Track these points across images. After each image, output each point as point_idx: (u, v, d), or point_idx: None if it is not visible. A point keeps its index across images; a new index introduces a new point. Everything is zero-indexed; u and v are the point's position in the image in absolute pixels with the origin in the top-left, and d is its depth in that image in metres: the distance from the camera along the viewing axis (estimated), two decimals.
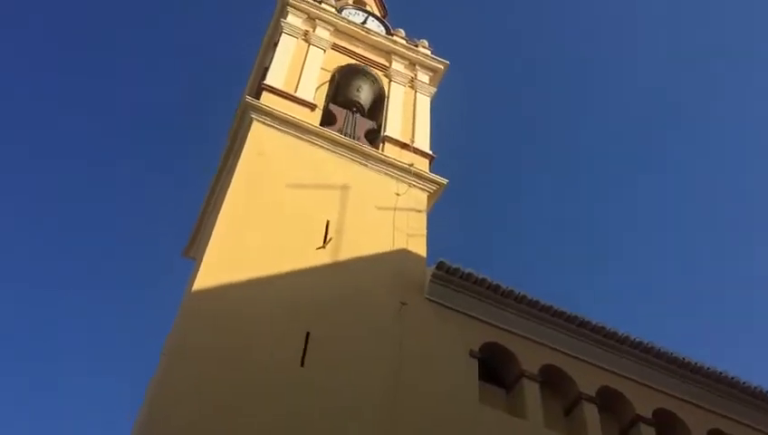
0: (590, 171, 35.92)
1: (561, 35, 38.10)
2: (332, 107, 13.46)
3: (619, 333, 10.95)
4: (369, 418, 8.48)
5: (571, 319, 10.84)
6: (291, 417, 8.06)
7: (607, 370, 10.80)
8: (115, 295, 31.51)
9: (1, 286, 30.03)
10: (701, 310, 32.67)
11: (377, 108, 14.08)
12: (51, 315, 30.31)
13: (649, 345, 10.99)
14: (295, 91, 12.92)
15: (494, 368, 10.33)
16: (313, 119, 12.63)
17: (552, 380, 10.40)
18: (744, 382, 11.28)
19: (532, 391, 10.00)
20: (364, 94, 13.83)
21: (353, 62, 14.57)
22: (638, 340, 10.98)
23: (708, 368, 11.14)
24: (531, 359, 10.37)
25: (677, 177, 35.84)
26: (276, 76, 13.07)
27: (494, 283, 10.66)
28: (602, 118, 36.63)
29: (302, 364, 8.65)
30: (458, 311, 10.44)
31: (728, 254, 33.39)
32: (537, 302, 10.76)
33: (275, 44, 14.39)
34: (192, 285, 9.15)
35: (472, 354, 9.98)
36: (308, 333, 8.96)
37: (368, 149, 12.44)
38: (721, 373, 11.21)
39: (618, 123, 35.82)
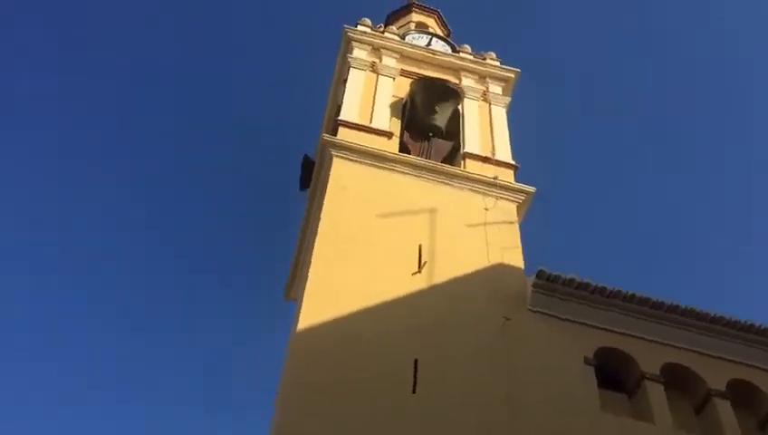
0: (668, 164, 34.60)
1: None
2: (407, 137, 13.46)
3: (742, 322, 10.34)
4: None
5: (687, 313, 10.32)
6: None
7: (734, 362, 10.20)
8: (221, 340, 32.36)
9: (119, 330, 31.25)
10: None
11: (452, 128, 13.97)
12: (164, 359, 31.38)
13: None
14: (370, 122, 13.03)
15: (612, 374, 9.91)
16: (392, 147, 12.68)
17: (677, 379, 9.88)
18: None
19: (656, 392, 9.52)
20: (439, 115, 13.72)
21: (426, 77, 14.49)
22: (763, 326, 10.33)
23: None
24: (650, 359, 9.90)
25: None
26: (350, 110, 13.23)
27: (599, 285, 10.28)
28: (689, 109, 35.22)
29: (414, 391, 8.57)
30: (565, 319, 10.11)
31: None
32: (648, 299, 10.30)
33: (345, 80, 14.60)
34: (296, 325, 9.24)
35: (587, 362, 9.61)
36: (416, 360, 8.89)
37: (450, 168, 12.36)
38: None
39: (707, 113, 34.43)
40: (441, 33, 19.24)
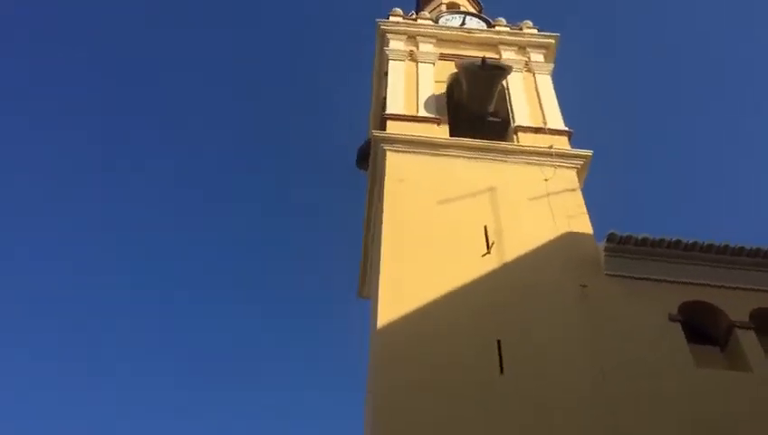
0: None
1: None
2: (457, 121, 13.32)
3: None
4: (582, 411, 8.23)
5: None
6: (497, 423, 8.00)
7: None
8: (302, 343, 32.85)
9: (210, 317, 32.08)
10: None
11: (500, 104, 13.80)
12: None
13: None
14: (417, 112, 13.04)
15: (700, 328, 9.71)
16: (442, 132, 12.67)
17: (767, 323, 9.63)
18: None
19: (749, 340, 9.30)
20: (486, 94, 13.52)
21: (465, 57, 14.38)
22: None
23: None
24: (737, 307, 9.66)
25: None
26: (395, 103, 13.26)
27: (674, 239, 10.09)
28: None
29: (502, 372, 8.59)
30: (644, 278, 9.95)
31: None
32: (727, 247, 10.06)
33: (386, 73, 14.63)
34: (376, 325, 9.33)
35: (671, 318, 9.44)
36: (499, 341, 8.90)
37: (504, 144, 12.30)
38: None
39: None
40: (473, 10, 19.09)
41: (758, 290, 9.86)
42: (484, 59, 13.09)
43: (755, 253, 10.01)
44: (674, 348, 9.10)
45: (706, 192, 32.32)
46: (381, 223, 10.84)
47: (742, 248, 10.05)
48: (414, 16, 16.13)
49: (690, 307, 9.70)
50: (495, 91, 13.44)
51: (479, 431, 7.97)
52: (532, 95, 13.89)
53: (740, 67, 33.70)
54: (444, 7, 18.60)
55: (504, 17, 16.20)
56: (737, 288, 9.88)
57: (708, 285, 9.90)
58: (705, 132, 33.93)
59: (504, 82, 14.13)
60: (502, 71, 13.42)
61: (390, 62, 14.48)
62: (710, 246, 10.08)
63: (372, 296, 11.14)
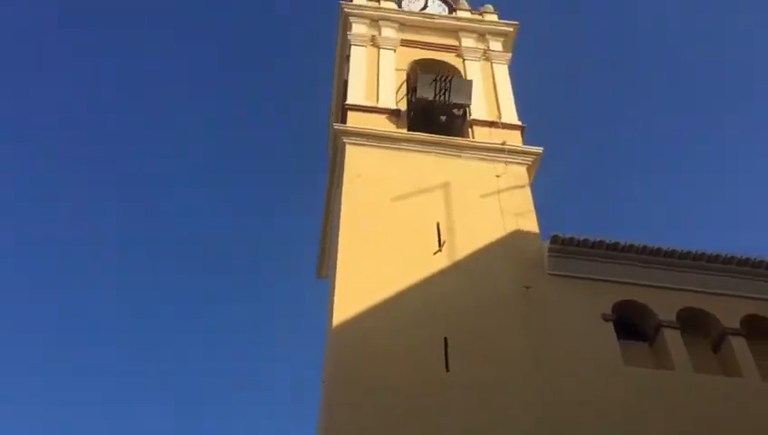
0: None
1: None
2: (416, 111, 13.68)
3: (752, 259, 10.83)
4: (524, 408, 8.95)
5: (698, 256, 10.83)
6: (443, 419, 8.72)
7: (747, 297, 10.73)
8: (261, 325, 33.31)
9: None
10: None
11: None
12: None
13: None
14: (377, 102, 13.42)
15: (633, 325, 10.52)
16: (401, 124, 13.09)
17: (693, 322, 10.45)
18: None
19: (673, 339, 10.13)
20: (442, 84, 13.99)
21: (421, 57, 14.75)
22: None
23: None
24: (665, 306, 10.47)
25: None
26: (356, 92, 13.60)
27: (612, 241, 10.82)
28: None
29: (448, 369, 9.28)
30: (583, 277, 10.68)
31: None
32: (660, 249, 10.82)
33: (347, 57, 14.91)
34: (332, 317, 9.92)
35: (605, 317, 10.22)
36: (446, 339, 9.57)
37: (458, 140, 12.77)
38: None
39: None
40: None
41: (686, 290, 10.67)
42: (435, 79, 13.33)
43: (685, 255, 10.80)
44: (605, 345, 9.89)
45: (647, 193, 33.39)
46: (339, 217, 11.34)
47: (673, 250, 10.83)
48: None
49: (624, 306, 10.49)
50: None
51: (426, 426, 8.67)
52: (489, 86, 14.35)
53: (692, 68, 34.45)
54: None
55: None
56: (667, 288, 10.68)
57: (641, 284, 10.68)
58: (653, 135, 34.83)
59: (462, 71, 14.58)
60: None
61: (352, 47, 14.75)
62: (644, 248, 10.83)
63: (329, 288, 11.70)
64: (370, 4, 15.80)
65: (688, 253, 10.82)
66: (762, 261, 10.84)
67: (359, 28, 15.14)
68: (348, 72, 14.56)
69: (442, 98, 13.08)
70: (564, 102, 33.95)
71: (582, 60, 36.26)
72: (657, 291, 10.65)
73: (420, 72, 14.16)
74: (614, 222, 30.90)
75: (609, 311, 10.29)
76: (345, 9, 15.43)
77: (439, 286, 10.31)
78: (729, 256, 10.84)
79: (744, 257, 10.85)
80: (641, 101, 34.78)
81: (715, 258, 10.82)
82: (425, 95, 13.15)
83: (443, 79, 13.33)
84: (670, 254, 10.83)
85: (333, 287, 10.44)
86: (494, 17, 15.94)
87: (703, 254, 10.81)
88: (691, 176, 33.68)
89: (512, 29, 15.57)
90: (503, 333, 9.81)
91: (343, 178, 11.84)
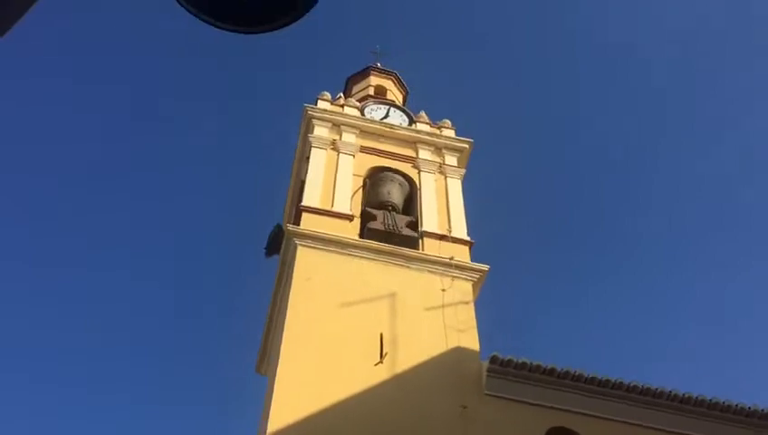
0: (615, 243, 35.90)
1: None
2: (370, 210, 14.14)
3: (682, 395, 11.16)
4: None
5: (631, 389, 11.12)
6: None
7: (676, 433, 11.01)
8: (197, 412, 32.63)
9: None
10: None
11: (411, 203, 14.72)
12: None
13: (720, 403, 11.13)
14: (332, 206, 13.68)
15: None
16: (353, 229, 13.36)
17: None
18: None
19: None
20: (395, 195, 14.48)
21: (379, 164, 15.25)
22: (714, 400, 11.14)
23: None
24: None
25: None
26: (312, 194, 13.87)
27: (549, 367, 11.05)
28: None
29: None
30: (519, 401, 10.84)
31: None
32: (594, 378, 11.09)
33: (307, 158, 15.27)
34: (267, 423, 9.80)
35: None
36: None
37: (408, 251, 13.05)
38: None
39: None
40: (400, 94, 20.20)
41: (620, 422, 10.91)
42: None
43: (618, 386, 11.08)
44: None
45: (594, 321, 34.55)
46: (284, 319, 11.36)
47: (608, 380, 11.11)
48: (341, 102, 16.88)
49: (557, 432, 10.64)
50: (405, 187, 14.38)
51: None
52: (441, 199, 14.80)
53: (639, 178, 36.47)
54: (372, 90, 19.57)
55: (427, 108, 17.38)
56: (601, 418, 10.90)
57: (575, 412, 10.88)
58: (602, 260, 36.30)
59: (417, 183, 15.06)
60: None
61: (313, 149, 15.13)
62: (580, 376, 11.08)
63: (267, 388, 11.59)
64: (334, 108, 16.33)
65: (621, 384, 11.11)
66: (689, 397, 11.18)
67: (320, 131, 15.58)
68: (306, 172, 14.87)
69: (391, 228, 13.52)
70: (513, 220, 35.19)
71: (533, 181, 37.85)
72: (592, 419, 10.86)
73: (371, 194, 14.64)
74: (561, 346, 31.60)
75: None
76: (309, 112, 15.89)
77: (379, 399, 10.33)
78: (660, 390, 11.16)
79: (674, 393, 11.18)
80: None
81: (646, 391, 11.12)
82: (375, 227, 13.59)
83: (391, 211, 14.06)
84: (604, 383, 11.11)
85: (272, 391, 10.36)
86: (452, 132, 16.63)
87: (635, 386, 11.10)
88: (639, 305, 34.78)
89: (467, 145, 16.23)
90: None
91: (292, 280, 11.93)
